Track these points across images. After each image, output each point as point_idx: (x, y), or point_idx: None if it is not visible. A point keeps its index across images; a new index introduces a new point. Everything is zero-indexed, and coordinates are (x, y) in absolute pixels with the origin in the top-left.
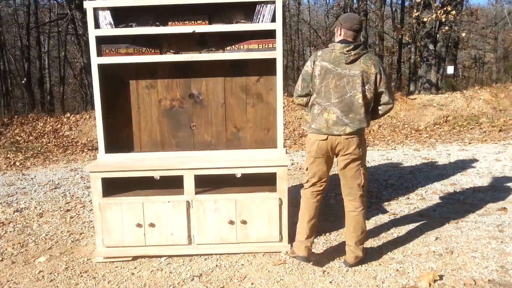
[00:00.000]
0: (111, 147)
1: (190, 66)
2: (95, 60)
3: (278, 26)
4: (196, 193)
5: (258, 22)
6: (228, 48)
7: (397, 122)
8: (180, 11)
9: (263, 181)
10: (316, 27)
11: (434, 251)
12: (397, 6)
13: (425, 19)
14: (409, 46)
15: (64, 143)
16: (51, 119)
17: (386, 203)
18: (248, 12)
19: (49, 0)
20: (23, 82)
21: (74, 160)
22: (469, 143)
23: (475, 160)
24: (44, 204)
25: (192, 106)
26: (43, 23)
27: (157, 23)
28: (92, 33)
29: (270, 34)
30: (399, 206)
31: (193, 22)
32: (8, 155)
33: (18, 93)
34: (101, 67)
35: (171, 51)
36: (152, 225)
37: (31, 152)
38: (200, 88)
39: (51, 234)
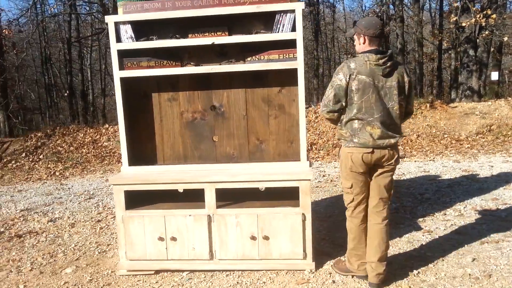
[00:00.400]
0: (135, 160)
1: (211, 77)
2: (117, 74)
3: (298, 36)
4: (218, 207)
5: (278, 32)
6: (248, 59)
7: (437, 132)
8: (199, 23)
9: (288, 195)
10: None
11: (470, 274)
12: (436, 11)
13: (463, 24)
14: (449, 52)
15: (102, 153)
16: (91, 130)
17: (420, 219)
18: (268, 22)
19: (90, 15)
20: (66, 94)
21: (111, 170)
22: None
23: None
24: (77, 214)
25: (214, 118)
26: (83, 37)
27: (177, 35)
28: (114, 47)
29: (291, 43)
30: (434, 223)
31: (212, 33)
32: (49, 165)
33: (63, 105)
34: (123, 80)
35: (192, 63)
36: (173, 238)
37: (71, 162)
38: (221, 100)
39: (80, 245)
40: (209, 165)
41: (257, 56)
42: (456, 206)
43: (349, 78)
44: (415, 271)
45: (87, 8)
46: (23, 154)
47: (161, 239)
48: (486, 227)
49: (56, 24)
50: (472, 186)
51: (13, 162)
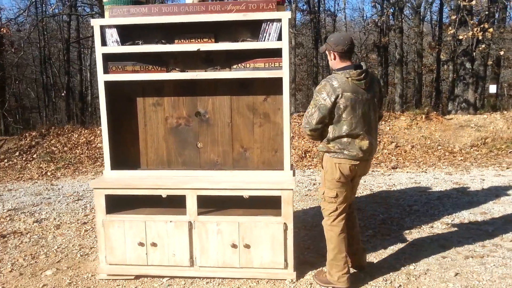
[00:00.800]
0: (118, 164)
1: (196, 84)
2: (102, 77)
3: (284, 45)
4: (199, 213)
5: (264, 41)
6: (234, 66)
7: (432, 143)
8: (186, 29)
9: (273, 204)
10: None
11: None
12: (436, 23)
13: (460, 37)
14: (448, 64)
15: (95, 154)
16: (86, 131)
17: (407, 231)
18: (255, 31)
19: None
20: (63, 94)
21: (102, 172)
22: (507, 168)
23: (511, 188)
24: (63, 215)
25: (199, 124)
26: (82, 38)
27: (162, 41)
28: (99, 51)
29: (277, 52)
30: (420, 235)
31: (199, 40)
32: (41, 165)
33: (61, 105)
34: (108, 84)
35: (177, 69)
36: (154, 244)
37: (63, 162)
38: (206, 106)
39: (62, 247)
40: (192, 172)
41: (243, 64)
42: (443, 218)
43: (335, 98)
44: (396, 285)
45: (88, 10)
46: (17, 153)
47: (141, 244)
48: (472, 241)
49: (57, 24)
50: (461, 199)
51: (5, 161)
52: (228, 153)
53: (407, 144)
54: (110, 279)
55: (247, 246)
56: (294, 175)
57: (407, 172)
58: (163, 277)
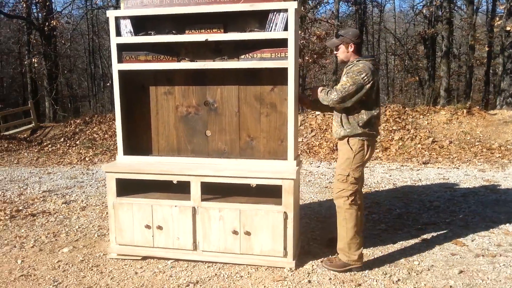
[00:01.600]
0: (131, 150)
1: (205, 73)
2: (116, 66)
3: (290, 35)
4: (203, 199)
5: (271, 31)
6: (242, 56)
7: (471, 139)
8: (196, 19)
9: (277, 193)
10: (401, 35)
11: (451, 286)
12: (489, 15)
13: (508, 28)
14: (498, 58)
15: None
16: None
17: (421, 227)
18: (263, 21)
19: None
20: (108, 84)
21: None
22: None
23: None
24: (91, 198)
25: (207, 113)
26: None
27: (173, 31)
28: (114, 41)
29: (283, 43)
30: (434, 232)
31: (208, 30)
32: (81, 151)
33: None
34: (122, 73)
35: (187, 58)
36: (159, 227)
37: (101, 149)
38: (215, 96)
39: (83, 227)
40: (200, 159)
41: (250, 54)
42: (463, 216)
43: (372, 80)
44: (395, 279)
45: None
46: (62, 139)
47: (148, 227)
48: (488, 241)
49: (105, 16)
50: (488, 197)
51: (49, 146)
52: (235, 142)
53: (445, 139)
54: (119, 259)
55: (247, 233)
56: (298, 165)
57: (438, 168)
58: (168, 259)
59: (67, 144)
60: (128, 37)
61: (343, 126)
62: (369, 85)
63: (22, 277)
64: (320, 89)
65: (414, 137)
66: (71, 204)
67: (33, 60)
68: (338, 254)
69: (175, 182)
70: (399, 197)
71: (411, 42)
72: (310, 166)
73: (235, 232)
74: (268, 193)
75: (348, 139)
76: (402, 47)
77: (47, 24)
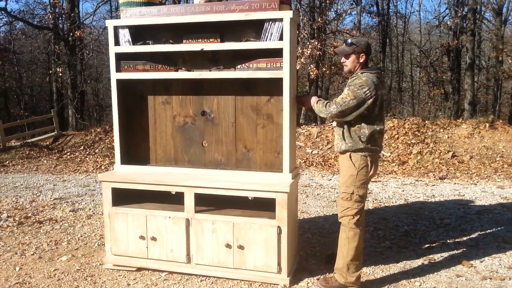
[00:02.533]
0: (130, 159)
1: (203, 83)
2: (114, 76)
3: (285, 45)
4: (197, 211)
5: (266, 40)
6: (238, 66)
7: (493, 154)
8: (194, 29)
9: (274, 207)
10: (425, 47)
11: None
12: None
13: None
14: None
15: None
16: None
17: (427, 245)
18: (259, 31)
19: None
20: None
21: None
22: None
23: None
24: (99, 207)
25: (204, 123)
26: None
27: (170, 41)
28: (112, 50)
29: (279, 52)
30: (442, 251)
31: (205, 40)
32: (98, 159)
33: None
34: (120, 82)
35: (184, 68)
36: (153, 238)
37: None
38: (211, 106)
39: (85, 236)
40: (196, 170)
41: (247, 64)
42: (474, 235)
43: (375, 95)
44: None
45: None
46: (81, 147)
47: (142, 237)
48: (498, 261)
49: None
50: (504, 215)
51: (68, 153)
52: (231, 153)
53: (466, 154)
54: (114, 269)
55: (241, 247)
56: (294, 178)
57: (455, 183)
58: (162, 271)
59: (86, 152)
60: (127, 46)
61: (344, 140)
62: (371, 100)
63: (17, 285)
64: (315, 99)
65: (433, 151)
66: (78, 212)
67: (58, 69)
68: (335, 273)
69: (173, 192)
70: (408, 213)
71: (435, 54)
72: (322, 179)
73: (228, 246)
74: (266, 206)
75: (350, 155)
76: (427, 59)
77: (71, 34)
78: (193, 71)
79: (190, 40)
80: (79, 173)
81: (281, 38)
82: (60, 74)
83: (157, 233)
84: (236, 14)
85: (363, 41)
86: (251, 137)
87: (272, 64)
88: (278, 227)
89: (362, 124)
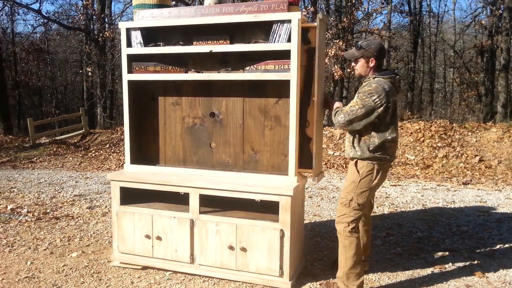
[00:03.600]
0: (141, 159)
1: (212, 85)
2: (126, 77)
3: (293, 46)
4: (201, 212)
5: (274, 42)
6: (247, 68)
7: None
8: (204, 31)
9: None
10: (460, 47)
11: None
12: None
13: None
14: None
15: None
16: None
17: (440, 253)
18: (268, 32)
19: None
20: None
21: None
22: None
23: None
24: None
25: (212, 125)
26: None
27: (180, 42)
28: (124, 51)
29: (287, 54)
30: (454, 259)
31: (215, 41)
32: (121, 157)
33: None
34: (132, 83)
35: (194, 69)
36: (159, 238)
37: None
38: (220, 107)
39: (97, 233)
40: (203, 171)
41: (255, 66)
42: (491, 243)
43: (386, 102)
44: None
45: None
46: (107, 145)
47: (148, 236)
48: None
49: None
50: None
51: (93, 151)
52: (239, 154)
53: (494, 158)
54: (120, 267)
55: (243, 249)
56: (299, 181)
57: (478, 189)
58: (166, 270)
59: (111, 150)
60: (138, 48)
61: (354, 147)
62: (381, 108)
63: (26, 279)
64: (336, 105)
65: (459, 155)
66: (94, 209)
67: (87, 69)
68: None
69: (181, 193)
70: (424, 219)
71: (469, 55)
72: (340, 181)
73: (231, 247)
74: (273, 209)
75: (356, 161)
76: (460, 59)
77: (101, 35)
78: (202, 72)
79: (200, 42)
80: (102, 170)
81: (289, 40)
82: (90, 74)
83: (162, 233)
84: (245, 15)
85: (374, 44)
86: (258, 139)
87: (280, 66)
88: (281, 230)
89: (372, 133)
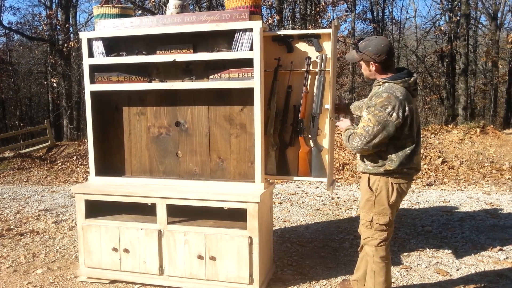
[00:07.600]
0: (106, 170)
1: (176, 94)
2: (88, 87)
3: (255, 54)
4: (169, 222)
5: (237, 51)
6: (211, 76)
7: (483, 159)
8: (167, 40)
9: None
10: (422, 52)
11: None
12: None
13: None
14: None
15: None
16: None
17: (406, 254)
18: (231, 41)
19: None
20: None
21: None
22: None
23: None
24: None
25: (178, 134)
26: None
27: (143, 52)
28: (86, 62)
29: (250, 62)
30: (419, 259)
31: (178, 50)
32: (88, 169)
33: None
34: (95, 94)
35: (157, 79)
36: (126, 250)
37: None
38: (185, 116)
39: (63, 248)
40: (170, 180)
41: (219, 74)
42: (454, 242)
43: (403, 113)
44: None
45: None
46: (74, 158)
47: (115, 249)
48: (475, 269)
49: None
50: (486, 222)
51: (60, 164)
52: (205, 163)
53: (456, 159)
54: (88, 282)
55: (212, 258)
56: (266, 188)
57: (442, 190)
58: (135, 283)
59: (78, 163)
60: (100, 58)
61: (364, 161)
62: (399, 120)
63: None
64: (345, 126)
65: (423, 157)
66: (60, 224)
67: (53, 80)
68: None
69: (149, 204)
70: None
71: (431, 60)
72: (309, 187)
73: (200, 257)
74: (241, 216)
75: (368, 177)
76: (422, 64)
77: (66, 45)
78: (166, 81)
79: (163, 51)
80: (69, 183)
81: (251, 48)
82: (55, 85)
83: (129, 245)
84: (207, 24)
85: (372, 45)
86: (224, 147)
87: (243, 74)
88: (250, 237)
89: (389, 148)
